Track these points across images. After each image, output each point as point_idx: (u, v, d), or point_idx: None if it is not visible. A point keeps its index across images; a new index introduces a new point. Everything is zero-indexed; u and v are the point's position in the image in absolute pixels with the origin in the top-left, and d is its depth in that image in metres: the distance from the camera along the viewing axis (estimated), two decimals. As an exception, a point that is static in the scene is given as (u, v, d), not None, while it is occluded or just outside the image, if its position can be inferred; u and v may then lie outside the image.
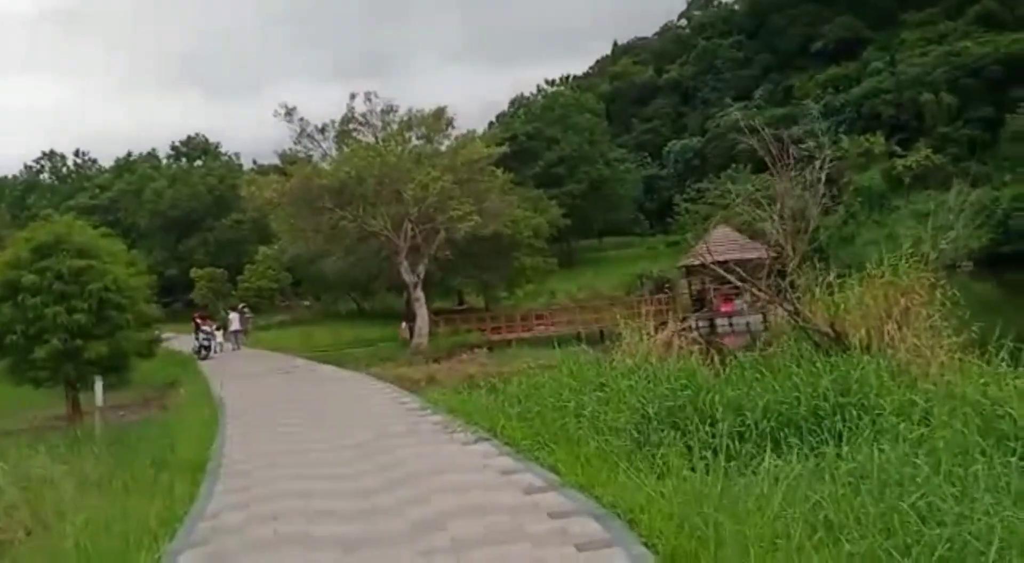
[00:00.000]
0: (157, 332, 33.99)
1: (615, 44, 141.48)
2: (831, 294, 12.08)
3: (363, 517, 7.35)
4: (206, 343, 37.40)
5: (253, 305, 56.50)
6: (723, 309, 40.60)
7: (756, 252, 39.10)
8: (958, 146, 70.43)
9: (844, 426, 8.20)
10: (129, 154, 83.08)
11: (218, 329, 39.23)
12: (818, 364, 9.61)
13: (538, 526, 6.55)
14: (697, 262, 40.47)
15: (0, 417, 21.58)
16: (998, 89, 70.09)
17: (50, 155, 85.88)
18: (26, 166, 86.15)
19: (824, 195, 12.89)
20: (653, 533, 5.92)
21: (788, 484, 6.19)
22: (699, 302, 41.82)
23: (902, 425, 7.68)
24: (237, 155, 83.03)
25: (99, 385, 12.77)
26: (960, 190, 12.26)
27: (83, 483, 10.34)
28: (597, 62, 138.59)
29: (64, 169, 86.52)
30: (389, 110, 35.82)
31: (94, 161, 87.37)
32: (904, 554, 4.60)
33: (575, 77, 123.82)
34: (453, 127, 37.02)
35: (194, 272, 61.28)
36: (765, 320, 37.18)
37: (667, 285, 53.14)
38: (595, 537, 6.12)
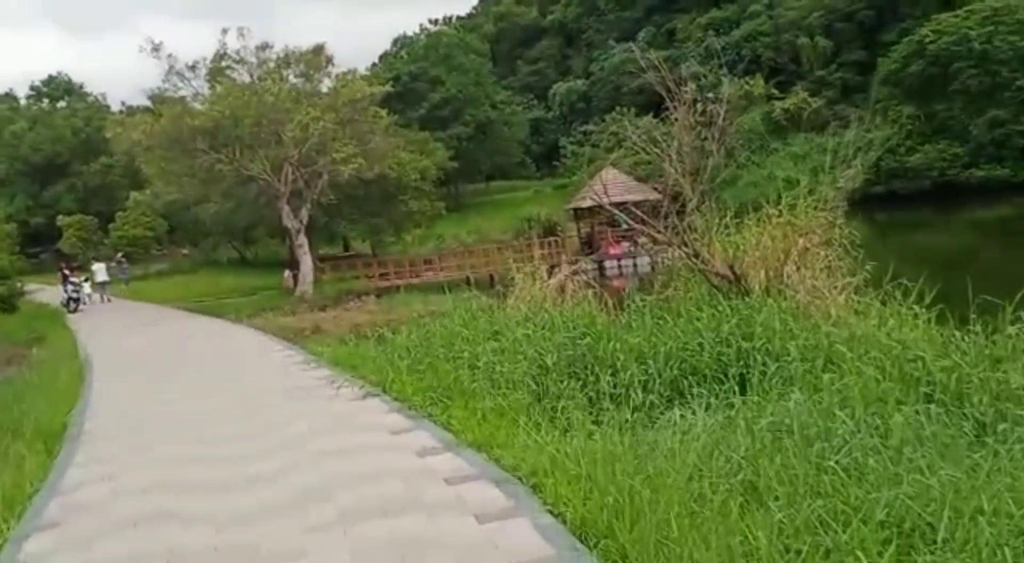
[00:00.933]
0: (19, 284, 32.03)
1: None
2: (728, 236, 11.79)
3: (240, 488, 6.64)
4: (75, 295, 35.36)
5: (128, 254, 53.91)
6: (611, 252, 40.66)
7: (644, 194, 39.33)
8: (833, 89, 72.05)
9: (749, 373, 7.88)
10: (-18, 94, 77.55)
11: (86, 281, 37.17)
12: (720, 308, 9.26)
13: (433, 493, 5.98)
14: (587, 204, 40.52)
15: None
16: (870, 33, 71.83)
17: None
18: None
19: (710, 137, 12.53)
20: (560, 500, 5.41)
21: (701, 440, 5.78)
22: (587, 245, 41.78)
23: (809, 372, 7.40)
24: (103, 96, 78.55)
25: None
26: (859, 128, 12.04)
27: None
28: (480, 1, 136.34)
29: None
30: (264, 47, 33.93)
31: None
32: (839, 521, 4.20)
33: (458, 17, 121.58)
34: (333, 65, 35.46)
35: (61, 220, 57.99)
36: (653, 262, 37.46)
37: (556, 228, 53.09)
38: (496, 505, 5.58)
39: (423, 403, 8.74)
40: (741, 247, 11.12)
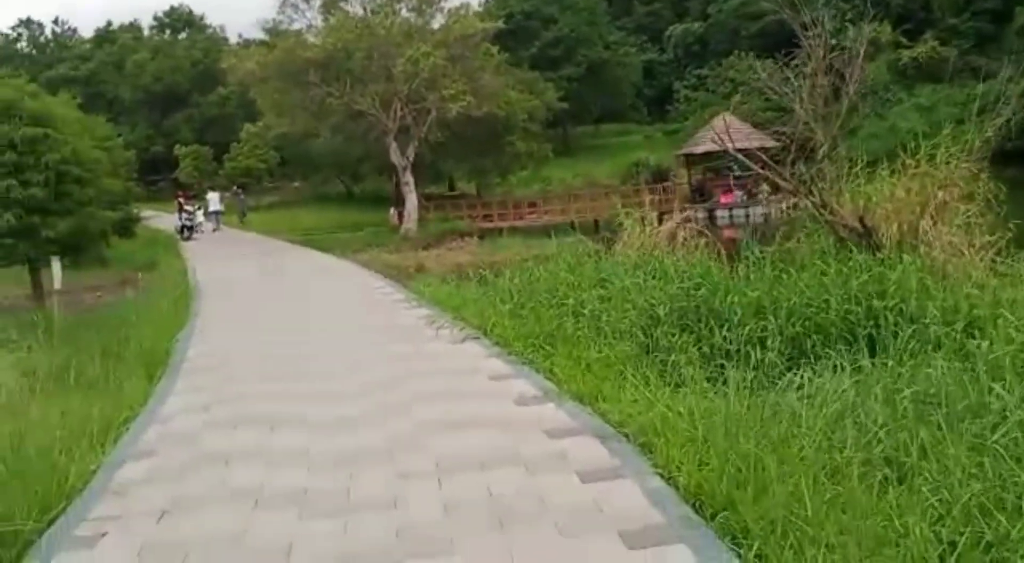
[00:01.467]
0: (136, 211, 32.97)
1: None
2: (857, 187, 10.94)
3: (334, 429, 6.40)
4: (189, 223, 36.35)
5: (242, 186, 55.12)
6: (723, 200, 39.40)
7: (762, 141, 37.87)
8: (964, 39, 67.86)
9: (880, 334, 7.22)
10: (109, 23, 79.75)
11: (199, 210, 38.12)
12: (851, 262, 8.55)
13: (533, 446, 5.60)
14: (700, 150, 39.31)
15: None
16: (1009, -20, 67.23)
17: (27, 23, 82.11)
18: (1, 34, 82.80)
19: (846, 79, 11.60)
20: (671, 462, 4.95)
21: (831, 406, 5.22)
22: (698, 193, 40.55)
23: (948, 336, 6.69)
24: (222, 28, 79.84)
25: (56, 266, 11.65)
26: (1001, 78, 10.94)
27: (29, 375, 9.40)
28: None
29: (42, 38, 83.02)
30: (379, -20, 33.63)
31: (74, 30, 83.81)
32: (1004, 511, 3.63)
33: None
34: (445, 0, 34.93)
35: (179, 149, 59.49)
36: (767, 212, 36.17)
37: (665, 175, 51.89)
38: (601, 464, 5.16)
39: (524, 349, 8.36)
40: (873, 199, 10.30)
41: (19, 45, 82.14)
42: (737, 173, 41.47)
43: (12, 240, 14.67)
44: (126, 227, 31.12)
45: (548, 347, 8.17)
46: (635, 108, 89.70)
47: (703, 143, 40.41)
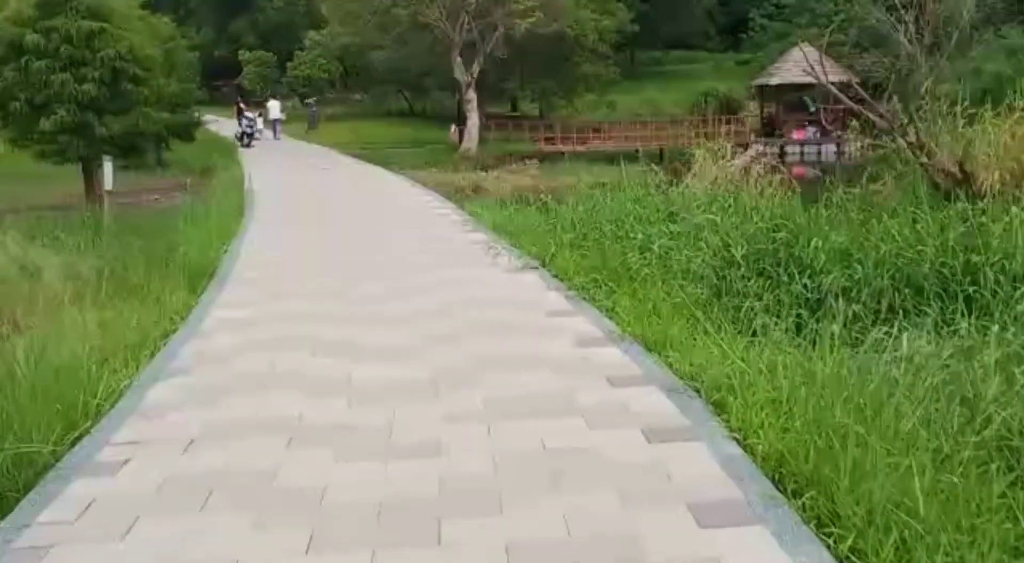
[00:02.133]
0: (197, 114, 32.69)
1: None
2: (956, 129, 10.08)
3: (379, 359, 5.99)
4: (249, 130, 36.09)
5: (303, 96, 54.74)
6: (794, 136, 37.99)
7: (840, 76, 36.26)
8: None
9: (978, 293, 6.54)
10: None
11: (260, 117, 37.87)
12: (948, 210, 7.81)
13: (593, 394, 5.11)
14: (775, 82, 37.84)
15: (20, 189, 20.57)
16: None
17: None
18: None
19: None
20: (748, 426, 4.42)
21: (935, 375, 4.61)
22: (769, 127, 39.11)
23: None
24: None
25: (108, 166, 11.32)
26: None
27: (73, 278, 9.13)
28: None
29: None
30: None
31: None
32: None
33: None
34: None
35: (243, 55, 59.00)
36: (840, 151, 34.80)
37: (734, 106, 50.29)
38: (669, 422, 4.66)
39: (585, 284, 7.85)
40: (975, 143, 9.46)
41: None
42: (811, 108, 40.02)
43: (67, 137, 14.42)
44: (187, 130, 30.86)
45: (611, 284, 7.64)
46: (706, 35, 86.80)
47: (778, 74, 38.89)
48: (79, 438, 4.74)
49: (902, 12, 10.22)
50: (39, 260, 9.72)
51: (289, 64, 56.31)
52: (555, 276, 8.46)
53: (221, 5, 68.38)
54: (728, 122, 40.49)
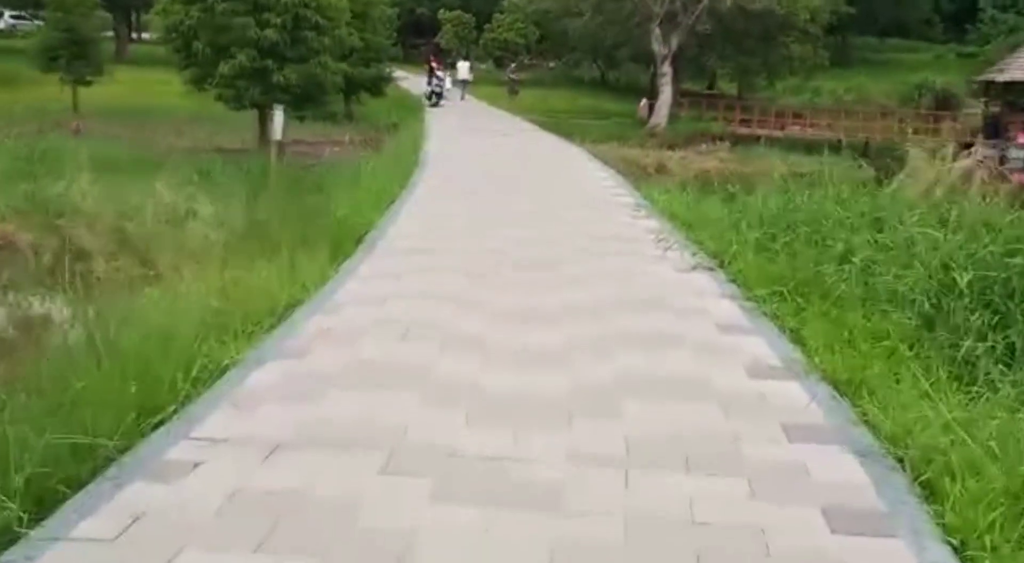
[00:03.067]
0: (388, 70, 32.87)
1: None
2: None
3: (513, 363, 5.16)
4: (438, 89, 36.04)
5: (497, 59, 54.73)
6: (1020, 140, 34.40)
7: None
8: None
9: None
10: None
11: (448, 77, 38.00)
12: None
13: (764, 449, 4.07)
14: (1004, 78, 34.43)
15: (205, 129, 20.99)
16: None
17: None
18: None
19: None
20: (971, 530, 3.30)
21: None
22: (991, 128, 35.53)
23: None
24: None
25: (279, 116, 10.96)
26: None
27: (222, 228, 8.80)
28: None
29: None
30: None
31: None
32: None
33: None
34: None
35: (442, 14, 59.41)
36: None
37: (951, 102, 46.36)
38: (858, 503, 3.57)
39: (768, 296, 6.71)
40: None
41: None
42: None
43: (244, 82, 14.33)
44: (376, 85, 31.05)
45: (799, 299, 6.48)
46: (929, 23, 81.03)
47: (1009, 71, 35.30)
48: (158, 425, 4.15)
49: None
50: (195, 206, 9.47)
51: (487, 27, 56.28)
52: (732, 281, 7.37)
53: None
54: (942, 120, 37.33)
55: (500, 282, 7.16)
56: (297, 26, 14.65)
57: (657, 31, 32.88)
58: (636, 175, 21.26)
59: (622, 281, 7.27)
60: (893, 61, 71.87)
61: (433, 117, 30.60)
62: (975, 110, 41.64)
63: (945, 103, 46.13)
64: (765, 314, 6.37)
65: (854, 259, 6.93)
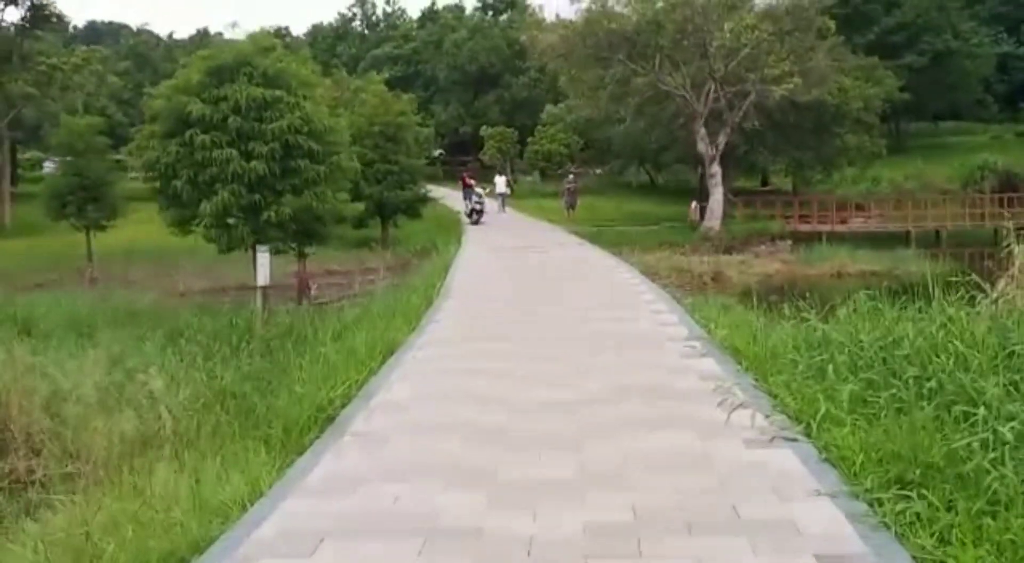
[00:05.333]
0: (424, 191, 31.78)
1: None
2: None
3: None
4: (478, 207, 34.90)
5: (542, 170, 54.23)
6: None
7: None
8: None
9: None
10: (434, 3, 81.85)
11: (487, 191, 37.36)
12: None
13: None
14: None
15: (225, 268, 19.63)
16: None
17: (362, 2, 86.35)
18: (339, 14, 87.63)
19: None
20: None
21: None
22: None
23: None
24: (540, 8, 79.49)
25: (263, 258, 9.33)
26: None
27: (168, 406, 7.04)
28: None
29: (374, 17, 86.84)
30: (704, -60, 29.48)
31: (403, 11, 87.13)
32: None
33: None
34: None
35: (484, 130, 59.20)
36: None
37: (1016, 181, 44.14)
38: None
39: (883, 488, 4.61)
40: None
41: (353, 24, 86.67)
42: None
43: (233, 220, 12.71)
44: (413, 207, 29.99)
45: (926, 491, 4.38)
46: (983, 104, 79.01)
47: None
48: None
49: None
50: (146, 378, 7.72)
51: (530, 139, 55.77)
52: (826, 460, 5.28)
53: (469, 82, 69.70)
54: (1013, 202, 35.12)
55: (504, 493, 5.16)
56: (288, 155, 13.12)
57: (703, 131, 31.33)
58: (691, 286, 19.27)
59: (673, 468, 5.22)
60: (950, 144, 69.87)
61: (471, 236, 29.16)
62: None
63: (1009, 183, 43.97)
64: (887, 525, 4.26)
65: (1000, 427, 4.82)
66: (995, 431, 4.77)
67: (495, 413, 6.66)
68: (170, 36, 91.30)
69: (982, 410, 4.97)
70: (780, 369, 7.21)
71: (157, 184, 13.71)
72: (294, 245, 13.98)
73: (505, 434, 6.10)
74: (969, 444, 4.74)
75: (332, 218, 14.24)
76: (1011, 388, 5.51)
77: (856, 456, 5.06)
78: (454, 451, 5.72)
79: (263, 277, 9.33)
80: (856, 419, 5.62)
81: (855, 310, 8.19)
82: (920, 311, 7.51)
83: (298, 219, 13.10)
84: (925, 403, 5.59)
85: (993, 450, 4.61)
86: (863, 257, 24.90)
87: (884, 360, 6.50)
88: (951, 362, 6.04)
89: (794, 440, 5.67)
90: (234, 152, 12.66)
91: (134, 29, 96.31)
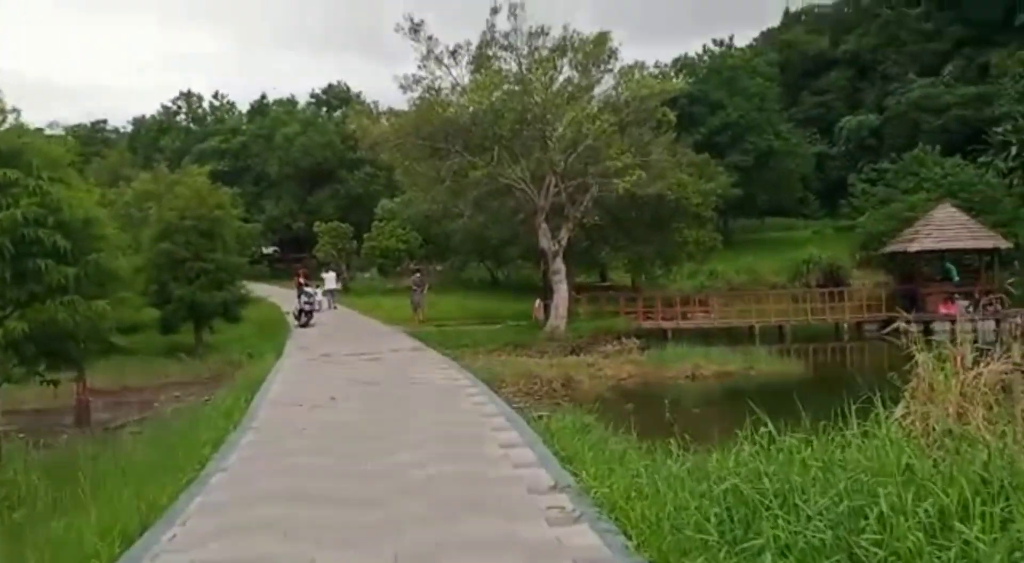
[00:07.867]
0: (243, 290, 28.81)
1: (787, 11, 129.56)
2: None
3: None
4: (307, 307, 32.13)
5: (380, 267, 52.31)
6: (942, 311, 32.23)
7: (991, 241, 30.88)
8: None
9: None
10: (264, 97, 79.28)
11: (318, 288, 35.09)
12: None
13: None
14: (914, 249, 32.79)
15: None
16: None
17: (187, 95, 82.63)
18: (163, 106, 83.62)
19: None
20: None
21: None
22: (908, 300, 33.37)
23: None
24: (376, 103, 78.14)
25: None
26: None
27: None
28: (762, 33, 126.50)
29: (200, 111, 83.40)
30: (539, 33, 28.45)
31: (232, 105, 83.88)
32: None
33: (738, 49, 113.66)
34: (616, 59, 29.53)
35: (318, 226, 56.54)
36: (999, 329, 28.99)
37: (838, 274, 45.55)
38: None
39: None
40: None
41: (178, 117, 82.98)
42: (956, 278, 34.52)
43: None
44: (230, 310, 27.00)
45: None
46: (804, 202, 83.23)
47: (917, 241, 33.76)
48: None
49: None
50: None
51: (366, 235, 53.49)
52: None
53: (303, 178, 67.32)
54: (838, 296, 35.84)
55: None
56: (27, 252, 10.06)
57: (544, 226, 29.97)
58: (541, 394, 17.39)
59: None
60: (775, 239, 72.68)
61: (294, 342, 26.38)
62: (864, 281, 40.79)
63: (832, 277, 45.27)
64: None
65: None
66: None
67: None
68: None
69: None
70: (691, 547, 5.11)
71: None
72: (41, 370, 10.99)
73: None
74: None
75: (97, 331, 11.13)
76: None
77: None
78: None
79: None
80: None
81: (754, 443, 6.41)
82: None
83: (38, 337, 10.03)
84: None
85: None
86: (716, 356, 23.75)
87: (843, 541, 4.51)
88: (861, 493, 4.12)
89: None
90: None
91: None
